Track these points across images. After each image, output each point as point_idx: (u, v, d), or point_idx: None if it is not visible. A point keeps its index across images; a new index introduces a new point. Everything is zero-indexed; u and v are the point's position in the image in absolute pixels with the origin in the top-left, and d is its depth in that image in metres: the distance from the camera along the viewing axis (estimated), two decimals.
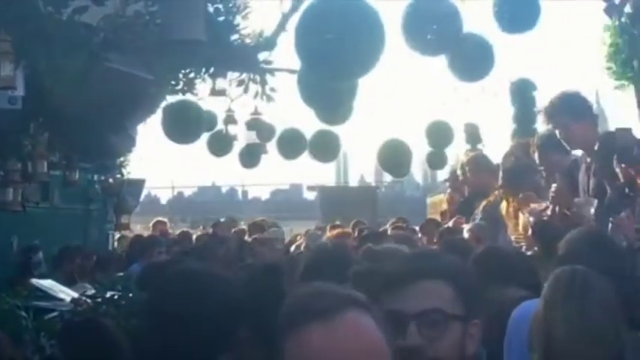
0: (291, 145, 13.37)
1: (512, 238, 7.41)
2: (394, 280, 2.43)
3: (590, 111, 6.48)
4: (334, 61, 7.26)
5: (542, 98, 15.37)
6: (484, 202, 8.57)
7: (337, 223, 12.31)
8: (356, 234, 10.04)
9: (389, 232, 10.03)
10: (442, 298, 2.37)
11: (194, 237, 12.51)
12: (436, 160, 16.46)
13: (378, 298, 2.41)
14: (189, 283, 2.90)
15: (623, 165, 5.85)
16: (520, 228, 7.14)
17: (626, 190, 5.67)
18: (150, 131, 10.26)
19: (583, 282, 3.15)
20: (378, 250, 5.79)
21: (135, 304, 5.34)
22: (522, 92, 15.88)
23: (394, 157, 14.38)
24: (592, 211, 5.74)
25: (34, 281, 7.01)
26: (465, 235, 7.38)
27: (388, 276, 2.47)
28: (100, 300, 5.91)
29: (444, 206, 12.96)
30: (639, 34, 8.77)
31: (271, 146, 13.20)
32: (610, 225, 5.37)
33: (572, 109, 6.27)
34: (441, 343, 2.31)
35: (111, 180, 12.32)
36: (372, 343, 1.78)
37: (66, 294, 6.53)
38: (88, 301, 5.97)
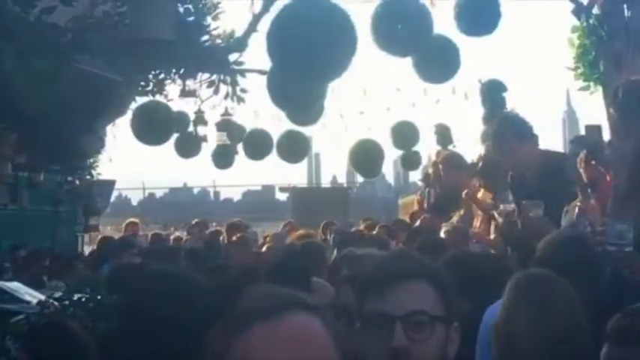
0: (258, 146, 13.35)
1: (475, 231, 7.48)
2: (379, 281, 2.41)
3: (531, 131, 6.49)
4: (307, 64, 7.27)
5: (513, 99, 15.54)
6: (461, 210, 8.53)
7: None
8: (328, 235, 10.04)
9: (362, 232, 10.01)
10: (427, 300, 2.37)
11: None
12: (410, 161, 16.53)
13: (363, 300, 2.42)
14: (162, 285, 2.89)
15: (593, 162, 5.89)
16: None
17: (589, 190, 5.72)
18: (120, 132, 10.21)
19: (542, 286, 3.16)
20: (359, 255, 5.82)
21: (103, 306, 5.31)
22: (492, 93, 15.89)
23: (366, 158, 14.40)
24: (540, 212, 5.77)
25: (0, 283, 6.93)
26: (442, 235, 7.34)
27: (373, 277, 2.46)
28: (67, 302, 5.85)
29: (415, 207, 12.97)
30: (607, 36, 8.87)
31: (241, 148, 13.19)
32: (576, 210, 5.44)
33: (516, 132, 6.30)
34: (426, 344, 2.31)
35: (78, 182, 12.23)
36: (316, 348, 1.74)
37: (32, 296, 6.47)
38: (55, 303, 5.92)
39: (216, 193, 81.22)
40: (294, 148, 13.50)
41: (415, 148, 16.48)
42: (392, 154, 18.09)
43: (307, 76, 7.68)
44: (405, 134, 15.54)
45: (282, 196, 39.31)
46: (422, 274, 2.43)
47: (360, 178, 44.86)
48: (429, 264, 2.56)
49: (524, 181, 6.40)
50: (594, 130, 6.38)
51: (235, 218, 13.60)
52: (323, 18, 7.31)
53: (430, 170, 11.28)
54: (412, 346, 2.29)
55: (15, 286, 6.70)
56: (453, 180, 9.27)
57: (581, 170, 5.98)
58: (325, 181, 69.30)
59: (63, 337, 4.12)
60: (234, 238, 9.94)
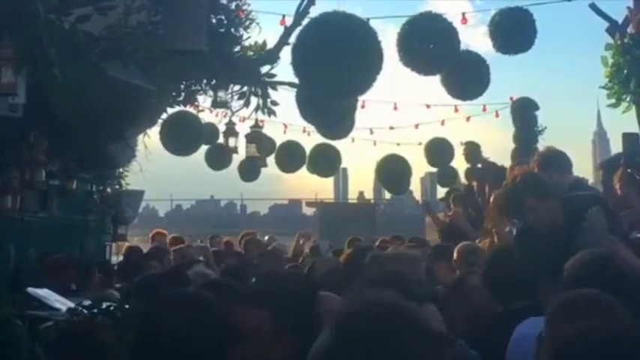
0: (291, 158, 13.37)
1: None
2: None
3: (551, 188, 6.31)
4: (329, 80, 7.27)
5: (544, 117, 15.44)
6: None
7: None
8: None
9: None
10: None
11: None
12: (446, 177, 16.46)
13: None
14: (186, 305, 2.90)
15: (628, 170, 5.81)
16: None
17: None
18: (150, 142, 10.23)
19: (592, 302, 3.09)
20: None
21: (131, 315, 5.29)
22: (524, 111, 15.84)
23: (394, 174, 14.37)
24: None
25: (30, 290, 6.95)
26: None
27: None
28: (96, 310, 5.84)
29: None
30: None
31: (270, 160, 13.19)
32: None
33: (536, 191, 6.10)
34: None
35: (109, 190, 12.27)
36: None
37: (61, 303, 6.47)
38: (84, 311, 5.91)
39: (243, 206, 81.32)
40: (326, 162, 13.51)
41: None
42: (420, 171, 18.07)
43: (330, 91, 7.68)
44: (439, 151, 15.50)
45: (308, 211, 39.31)
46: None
47: (387, 195, 44.83)
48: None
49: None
50: (632, 137, 6.32)
51: (261, 231, 13.62)
52: (347, 34, 7.32)
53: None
54: None
55: (44, 293, 6.72)
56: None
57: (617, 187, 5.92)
58: (352, 197, 69.25)
59: (86, 345, 4.10)
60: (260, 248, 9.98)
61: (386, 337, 1.94)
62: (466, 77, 8.87)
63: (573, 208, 5.81)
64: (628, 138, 6.73)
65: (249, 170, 13.33)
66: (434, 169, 17.66)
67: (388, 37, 8.09)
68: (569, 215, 5.75)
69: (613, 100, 9.02)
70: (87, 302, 6.22)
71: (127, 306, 5.74)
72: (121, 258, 12.72)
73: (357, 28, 7.38)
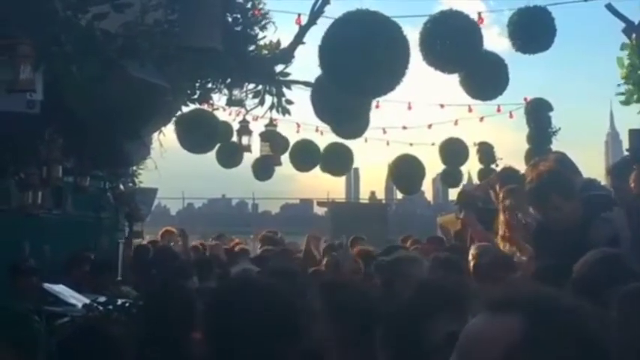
0: (305, 156, 13.37)
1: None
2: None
3: (576, 188, 6.27)
4: (360, 77, 7.26)
5: (558, 118, 15.40)
6: None
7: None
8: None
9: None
10: None
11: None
12: (451, 177, 16.44)
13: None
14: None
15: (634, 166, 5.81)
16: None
17: None
18: (165, 140, 10.26)
19: None
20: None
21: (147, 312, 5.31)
22: (538, 112, 15.82)
23: (407, 174, 14.36)
24: None
25: (46, 286, 6.99)
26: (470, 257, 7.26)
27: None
28: (111, 307, 5.88)
29: (459, 226, 12.83)
30: None
31: (282, 160, 13.19)
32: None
33: (562, 189, 6.04)
34: None
35: (123, 188, 12.31)
36: None
37: (77, 299, 6.51)
38: (100, 307, 5.94)
39: (255, 206, 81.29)
40: (339, 161, 13.51)
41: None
42: (432, 172, 18.04)
43: (360, 89, 7.67)
44: (454, 151, 15.48)
45: (320, 211, 39.24)
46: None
47: (398, 195, 44.78)
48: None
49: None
50: (638, 133, 6.31)
51: (273, 231, 13.61)
52: (377, 32, 7.31)
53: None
54: None
55: (60, 289, 6.75)
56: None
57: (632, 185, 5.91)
58: (364, 197, 69.07)
59: (99, 342, 4.10)
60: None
61: None
62: (485, 77, 8.84)
63: (591, 207, 5.81)
64: (634, 134, 6.73)
65: (263, 169, 13.34)
66: (442, 170, 17.64)
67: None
68: (587, 214, 5.75)
69: (623, 98, 9.00)
70: (102, 299, 6.27)
71: (141, 303, 5.77)
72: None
73: (384, 26, 7.37)
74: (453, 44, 8.27)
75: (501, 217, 7.88)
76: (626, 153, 7.46)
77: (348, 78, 7.38)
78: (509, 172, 9.89)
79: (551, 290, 1.83)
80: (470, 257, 7.06)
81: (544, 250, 5.93)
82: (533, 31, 8.95)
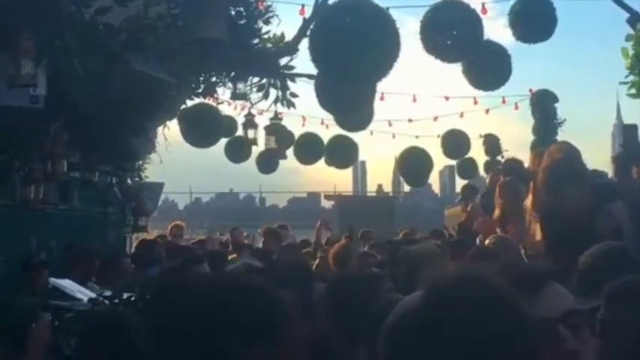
0: (309, 149, 13.37)
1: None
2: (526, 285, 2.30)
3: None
4: (346, 65, 7.27)
5: (563, 109, 15.38)
6: None
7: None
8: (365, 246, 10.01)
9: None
10: (572, 298, 2.27)
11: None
12: (467, 169, 16.42)
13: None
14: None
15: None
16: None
17: None
18: (170, 134, 10.27)
19: None
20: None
21: (152, 306, 5.31)
22: (543, 103, 15.78)
23: (414, 166, 14.35)
24: None
25: (52, 280, 6.99)
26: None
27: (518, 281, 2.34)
28: (117, 301, 5.88)
29: (462, 218, 12.84)
30: None
31: (289, 154, 13.19)
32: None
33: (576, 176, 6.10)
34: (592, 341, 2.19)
35: (129, 182, 12.33)
36: None
37: (83, 294, 6.51)
38: (106, 301, 5.95)
39: (262, 199, 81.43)
40: (344, 153, 13.51)
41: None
42: (439, 164, 18.04)
43: (345, 78, 7.68)
44: (454, 143, 15.47)
45: (327, 204, 39.30)
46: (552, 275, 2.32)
47: (406, 187, 44.77)
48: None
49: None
50: (631, 129, 6.30)
51: (280, 224, 13.61)
52: (362, 19, 7.31)
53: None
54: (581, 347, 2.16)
55: (66, 284, 6.76)
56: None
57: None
58: (371, 190, 69.15)
59: (121, 335, 4.10)
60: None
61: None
62: (488, 67, 8.82)
63: (596, 196, 5.83)
64: (629, 129, 6.73)
65: (268, 162, 13.35)
66: (453, 162, 17.64)
67: (407, 28, 8.08)
68: (593, 203, 5.77)
69: (634, 91, 8.95)
70: (108, 293, 6.28)
71: (147, 296, 5.78)
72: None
73: (372, 13, 7.37)
74: (454, 33, 8.26)
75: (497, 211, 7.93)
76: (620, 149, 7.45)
77: (333, 65, 7.39)
78: (513, 164, 9.92)
79: None
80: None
81: (553, 236, 5.95)
82: (533, 21, 8.93)
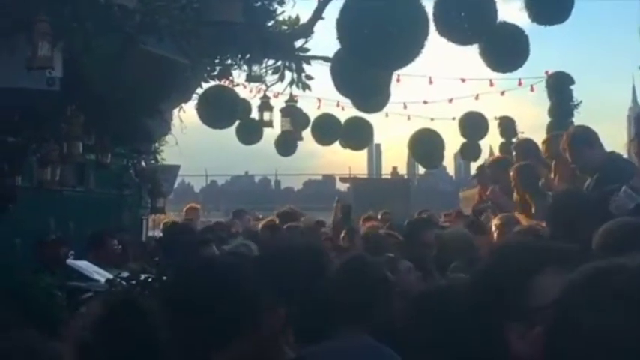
0: (326, 130, 13.38)
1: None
2: (563, 262, 2.27)
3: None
4: (378, 49, 7.26)
5: (579, 91, 15.33)
6: None
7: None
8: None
9: None
10: None
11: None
12: (470, 152, 16.39)
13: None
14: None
15: None
16: None
17: None
18: (186, 117, 10.29)
19: None
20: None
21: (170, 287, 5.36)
22: (559, 85, 15.72)
23: (427, 148, 14.34)
24: None
25: (69, 262, 7.06)
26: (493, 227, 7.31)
27: (556, 258, 2.34)
28: (134, 282, 5.93)
29: (476, 199, 12.83)
30: None
31: (304, 136, 13.19)
32: None
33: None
34: None
35: (144, 164, 12.36)
36: None
37: (100, 275, 6.57)
38: (123, 282, 5.99)
39: (277, 182, 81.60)
40: (359, 134, 13.51)
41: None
42: (453, 146, 17.99)
43: (378, 61, 7.66)
44: (473, 125, 15.43)
45: (342, 187, 39.31)
46: (560, 260, 2.32)
47: (421, 170, 44.68)
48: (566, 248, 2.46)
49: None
50: None
51: (295, 207, 13.64)
52: (394, 3, 7.28)
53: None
54: None
55: (84, 264, 6.82)
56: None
57: None
58: (386, 172, 69.06)
59: (140, 316, 4.12)
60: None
61: None
62: (505, 49, 8.76)
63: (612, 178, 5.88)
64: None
65: (287, 145, 13.35)
66: (461, 145, 17.59)
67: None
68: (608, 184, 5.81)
69: None
70: (125, 274, 6.32)
71: (164, 278, 5.82)
72: (157, 232, 12.89)
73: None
74: (466, 16, 8.22)
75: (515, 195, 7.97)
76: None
77: (367, 51, 7.37)
78: (525, 144, 9.93)
79: None
80: (493, 227, 7.10)
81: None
82: (549, 2, 8.85)
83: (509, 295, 2.26)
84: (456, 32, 8.35)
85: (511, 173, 8.24)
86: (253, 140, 13.00)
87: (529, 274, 2.27)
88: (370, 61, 7.63)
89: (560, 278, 2.13)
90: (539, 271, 2.28)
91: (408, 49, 7.38)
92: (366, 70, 8.15)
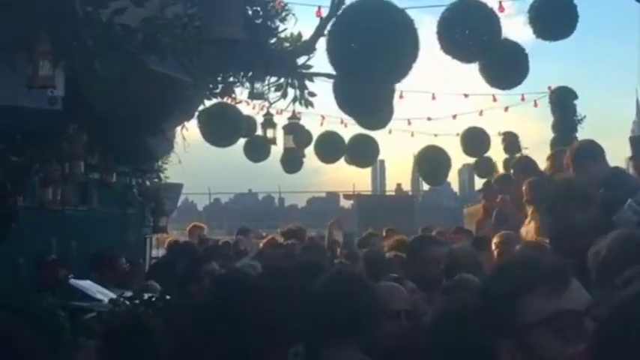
0: (330, 148, 13.37)
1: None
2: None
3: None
4: (366, 65, 7.24)
5: (582, 106, 15.33)
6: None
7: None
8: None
9: None
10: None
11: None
12: (482, 168, 16.36)
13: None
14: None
15: None
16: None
17: None
18: (189, 135, 10.28)
19: None
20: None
21: (173, 305, 5.34)
22: (562, 101, 15.72)
23: (433, 165, 14.31)
24: None
25: (73, 281, 7.02)
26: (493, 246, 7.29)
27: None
28: (138, 301, 5.89)
29: (480, 215, 12.80)
30: None
31: (307, 153, 13.19)
32: None
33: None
34: None
35: (148, 183, 12.34)
36: None
37: (103, 294, 6.53)
38: (126, 302, 5.96)
39: (281, 200, 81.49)
40: (365, 152, 13.49)
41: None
42: (457, 162, 17.98)
43: (365, 77, 7.64)
44: (475, 140, 15.40)
45: (346, 204, 39.25)
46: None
47: (425, 186, 44.60)
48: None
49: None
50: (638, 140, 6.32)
51: (299, 224, 13.60)
52: (382, 20, 7.27)
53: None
54: None
55: (87, 284, 6.78)
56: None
57: None
58: (389, 189, 68.95)
59: (143, 335, 4.09)
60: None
61: None
62: (505, 66, 8.75)
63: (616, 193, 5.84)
64: (636, 141, 6.83)
65: (292, 161, 13.36)
66: (471, 161, 17.59)
67: (425, 27, 8.01)
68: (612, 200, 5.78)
69: None
70: (128, 293, 6.29)
71: (168, 297, 5.79)
72: (161, 251, 12.85)
73: (390, 14, 7.33)
74: (471, 33, 8.22)
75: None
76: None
77: (352, 66, 7.37)
78: (524, 161, 9.93)
79: None
80: (493, 246, 7.07)
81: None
82: (553, 18, 8.86)
83: (501, 312, 2.28)
84: (461, 50, 8.35)
85: (523, 187, 8.20)
86: (261, 157, 13.02)
87: (520, 293, 2.30)
88: (358, 78, 7.63)
89: (551, 296, 2.19)
90: (531, 289, 2.30)
91: (397, 64, 7.36)
92: (368, 88, 8.13)
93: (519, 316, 2.25)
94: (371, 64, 7.19)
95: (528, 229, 7.61)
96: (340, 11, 7.89)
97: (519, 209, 8.62)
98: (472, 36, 8.24)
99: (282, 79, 10.01)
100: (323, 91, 9.97)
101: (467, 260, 6.29)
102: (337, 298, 3.70)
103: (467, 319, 2.46)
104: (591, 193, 6.02)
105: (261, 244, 11.05)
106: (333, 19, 8.05)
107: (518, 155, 14.16)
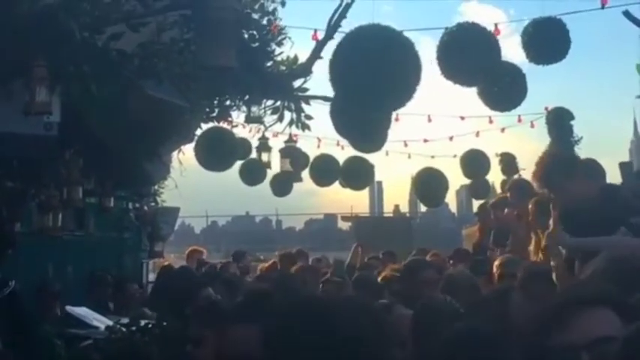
0: (325, 171, 13.36)
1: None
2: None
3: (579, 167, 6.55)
4: (370, 93, 7.25)
5: (579, 126, 15.35)
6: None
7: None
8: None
9: None
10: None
11: None
12: (478, 190, 16.35)
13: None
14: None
15: None
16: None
17: None
18: (185, 159, 10.27)
19: None
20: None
21: (169, 332, 5.29)
22: (559, 121, 15.76)
23: (430, 186, 14.31)
24: None
25: (69, 308, 6.98)
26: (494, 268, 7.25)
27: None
28: (134, 328, 5.84)
29: (477, 236, 12.78)
30: None
31: (304, 176, 13.18)
32: None
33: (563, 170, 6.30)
34: None
35: (145, 208, 12.32)
36: None
37: (100, 321, 6.49)
38: (123, 329, 5.91)
39: (279, 222, 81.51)
40: (359, 175, 13.48)
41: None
42: (455, 184, 17.99)
43: (370, 104, 7.64)
44: (474, 162, 15.41)
45: (344, 225, 39.25)
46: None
47: (422, 208, 44.61)
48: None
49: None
50: (627, 167, 6.33)
51: (297, 247, 13.57)
52: (386, 47, 7.28)
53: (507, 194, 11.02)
54: None
55: (83, 312, 6.74)
56: (524, 206, 9.10)
57: None
58: (387, 210, 68.93)
59: None
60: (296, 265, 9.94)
61: None
62: (503, 89, 8.78)
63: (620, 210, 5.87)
64: (625, 168, 6.87)
65: (281, 185, 13.37)
66: (469, 182, 17.59)
67: (422, 49, 8.03)
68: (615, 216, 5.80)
69: None
70: (125, 320, 6.24)
71: (164, 323, 5.74)
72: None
73: (394, 41, 7.35)
74: (471, 58, 8.24)
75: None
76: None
77: (358, 92, 7.37)
78: (520, 183, 9.90)
79: None
80: (494, 268, 7.03)
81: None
82: (546, 43, 8.92)
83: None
84: (462, 74, 8.37)
85: (530, 207, 8.17)
86: (257, 181, 13.02)
87: None
88: (363, 105, 7.63)
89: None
90: None
91: (400, 91, 7.37)
92: (365, 113, 8.14)
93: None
94: (377, 91, 7.20)
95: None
96: (343, 37, 7.91)
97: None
98: (473, 60, 8.26)
99: (278, 102, 10.02)
100: (319, 113, 9.99)
101: (464, 284, 6.28)
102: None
103: None
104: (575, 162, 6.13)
105: (258, 270, 11.02)
106: (335, 44, 8.06)
107: (515, 177, 14.16)
